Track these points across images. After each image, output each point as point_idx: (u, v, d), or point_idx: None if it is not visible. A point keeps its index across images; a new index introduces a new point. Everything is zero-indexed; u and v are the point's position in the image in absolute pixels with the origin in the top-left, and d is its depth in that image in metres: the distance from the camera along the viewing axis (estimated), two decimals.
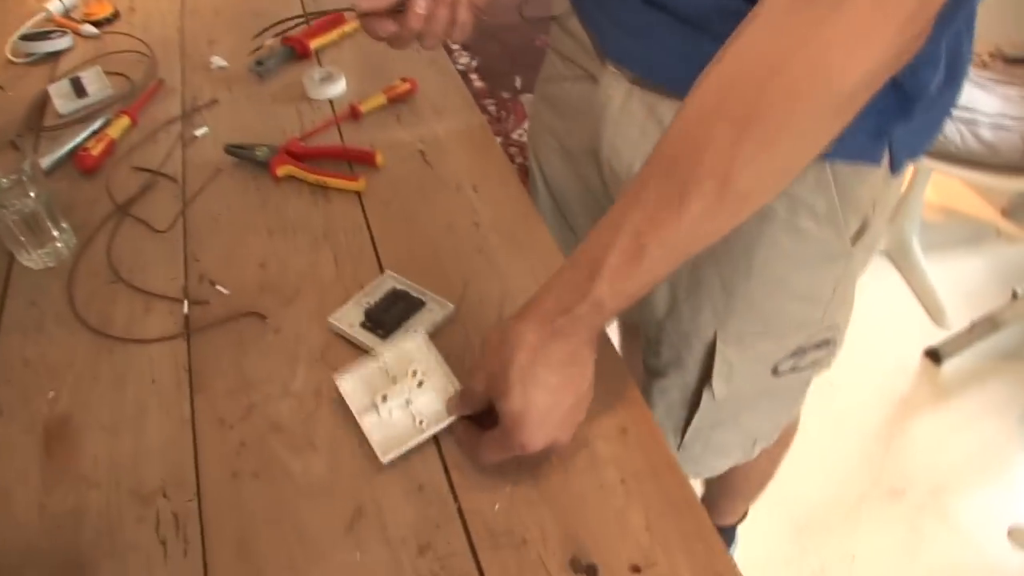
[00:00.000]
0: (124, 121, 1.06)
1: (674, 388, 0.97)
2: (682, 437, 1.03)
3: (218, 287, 0.85)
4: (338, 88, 1.11)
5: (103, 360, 0.79)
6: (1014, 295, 2.03)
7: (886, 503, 1.81)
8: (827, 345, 0.92)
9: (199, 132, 1.05)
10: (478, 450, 0.67)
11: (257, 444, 0.72)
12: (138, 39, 1.26)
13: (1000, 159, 1.81)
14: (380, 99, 1.07)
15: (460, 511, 0.67)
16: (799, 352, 0.90)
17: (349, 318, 0.80)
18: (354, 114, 1.06)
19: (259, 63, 1.14)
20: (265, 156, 0.98)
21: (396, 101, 1.08)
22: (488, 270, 0.86)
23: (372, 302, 0.81)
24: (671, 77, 0.55)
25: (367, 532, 0.66)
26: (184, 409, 0.75)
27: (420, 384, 0.71)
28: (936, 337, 2.13)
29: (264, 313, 0.82)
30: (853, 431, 1.96)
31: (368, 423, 0.70)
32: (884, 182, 0.78)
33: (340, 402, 0.74)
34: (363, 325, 0.79)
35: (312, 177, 0.96)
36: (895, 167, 0.76)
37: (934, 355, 2.11)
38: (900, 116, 0.71)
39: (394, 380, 0.72)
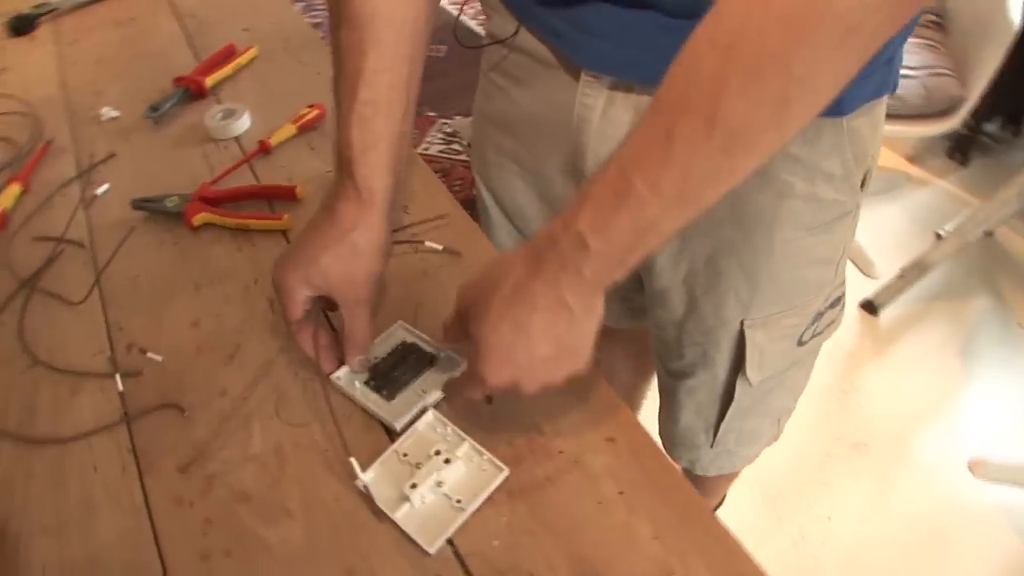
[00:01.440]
0: (14, 189, 0.97)
1: (703, 387, 0.94)
2: (715, 434, 1.00)
3: (149, 355, 0.78)
4: (243, 124, 1.04)
5: (34, 457, 0.71)
6: (937, 236, 2.08)
7: (851, 459, 1.83)
8: (839, 302, 0.90)
9: (100, 190, 0.97)
10: (453, 385, 0.69)
11: (224, 519, 0.65)
12: (18, 99, 1.16)
13: (906, 107, 1.85)
14: (290, 130, 1.01)
15: (458, 555, 0.62)
16: (818, 317, 0.89)
17: (353, 375, 0.74)
18: (264, 149, 0.99)
19: (153, 108, 1.06)
20: (177, 206, 0.90)
21: (306, 129, 1.03)
22: (435, 292, 0.81)
23: (379, 356, 0.75)
24: (659, 71, 0.51)
25: None
26: (135, 494, 0.67)
27: (447, 461, 0.66)
28: (869, 289, 2.17)
29: (205, 374, 0.76)
30: (805, 393, 1.97)
31: (402, 516, 0.64)
32: (880, 117, 0.77)
33: (306, 459, 0.68)
34: (368, 384, 0.73)
35: (232, 222, 0.89)
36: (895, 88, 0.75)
37: (870, 306, 2.15)
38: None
39: (418, 465, 0.67)
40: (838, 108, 0.69)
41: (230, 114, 1.04)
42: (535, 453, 0.68)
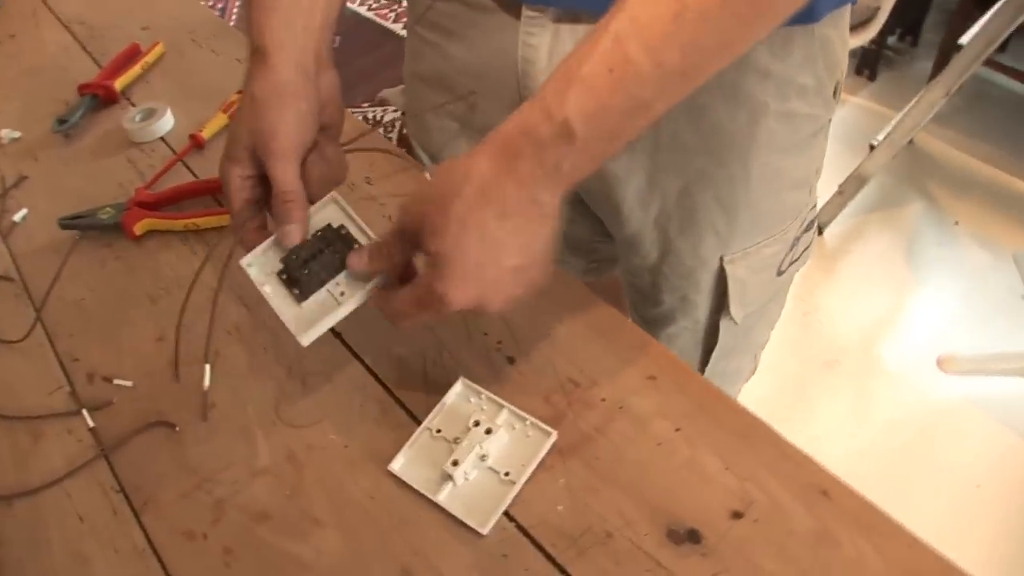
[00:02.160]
0: None
1: (684, 332, 0.89)
2: None
3: (117, 381, 0.69)
4: (166, 123, 0.94)
5: (2, 518, 0.61)
6: (871, 147, 2.10)
7: (826, 378, 1.84)
8: (813, 225, 0.86)
9: (17, 217, 0.86)
10: (390, 306, 0.55)
11: (246, 545, 0.57)
12: None
13: None
14: (221, 119, 0.92)
15: (521, 528, 0.56)
16: (795, 242, 0.84)
17: (264, 264, 0.61)
18: (197, 143, 0.90)
19: (61, 121, 0.95)
20: (113, 217, 0.81)
21: None
22: None
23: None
24: None
25: None
26: (135, 537, 0.59)
27: (488, 432, 0.59)
28: None
29: (185, 390, 0.67)
30: None
31: (446, 498, 0.57)
32: (846, 26, 0.72)
33: (324, 460, 0.60)
34: (279, 277, 0.60)
35: (179, 224, 0.80)
36: None
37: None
38: None
39: (455, 440, 0.59)
40: (809, 14, 0.65)
41: (150, 114, 0.94)
42: (575, 406, 0.62)
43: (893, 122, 2.05)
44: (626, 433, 0.60)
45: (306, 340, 0.57)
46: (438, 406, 0.61)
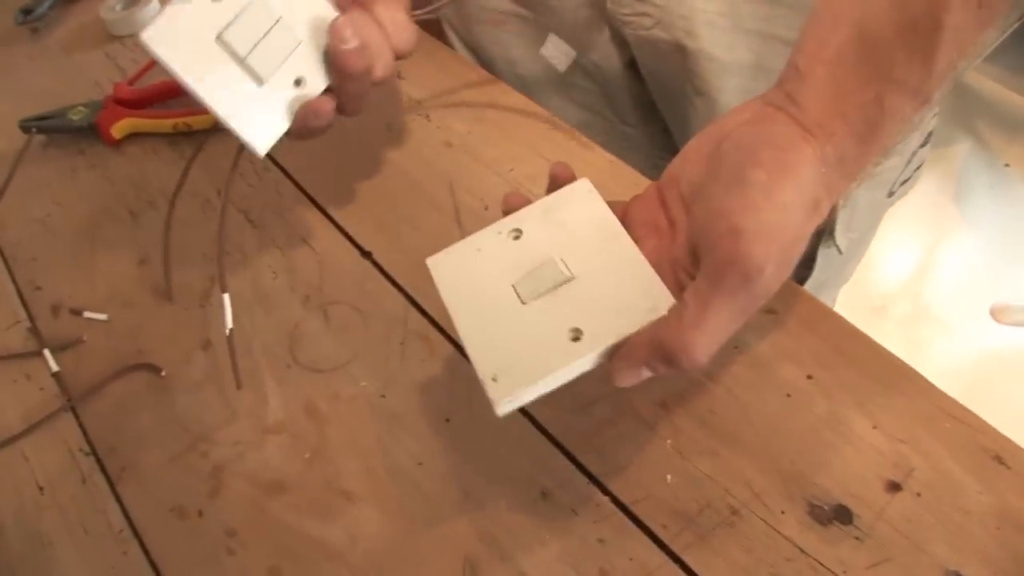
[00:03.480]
0: None
1: None
2: None
3: (87, 314, 0.54)
4: (152, 12, 0.79)
5: None
6: None
7: (875, 324, 1.72)
8: (929, 140, 0.72)
9: None
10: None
11: (255, 524, 0.43)
12: None
13: None
14: None
15: (622, 506, 0.42)
16: (912, 157, 0.70)
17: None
18: None
19: (25, 11, 0.80)
20: (86, 118, 0.66)
21: None
22: (470, 167, 0.59)
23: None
24: None
25: None
26: (110, 513, 0.45)
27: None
28: None
29: (173, 325, 0.53)
30: None
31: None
32: None
33: (353, 412, 0.46)
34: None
35: (167, 123, 0.65)
36: None
37: None
38: None
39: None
40: None
41: (133, 2, 0.79)
42: None
43: None
44: (746, 381, 0.46)
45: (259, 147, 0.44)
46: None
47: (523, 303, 0.38)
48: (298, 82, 0.45)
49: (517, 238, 0.41)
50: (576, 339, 0.36)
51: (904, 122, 0.36)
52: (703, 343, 0.34)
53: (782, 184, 0.35)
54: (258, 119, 0.44)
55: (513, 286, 0.39)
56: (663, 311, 0.36)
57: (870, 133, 0.36)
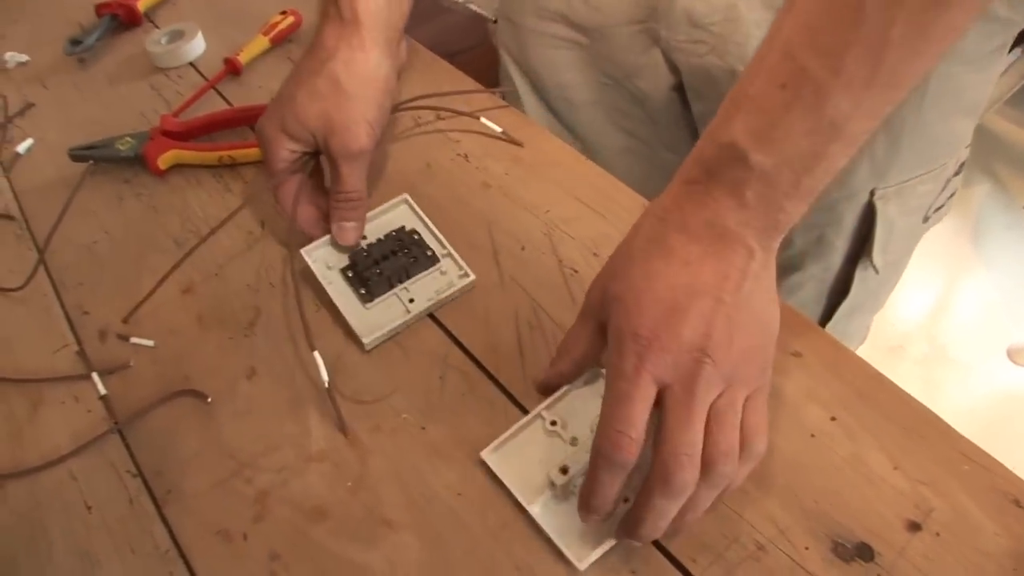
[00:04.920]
0: None
1: (811, 280, 0.76)
2: None
3: (134, 340, 0.56)
4: (197, 47, 0.81)
5: None
6: None
7: (892, 364, 1.73)
8: (962, 170, 0.73)
9: (22, 148, 0.73)
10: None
11: (298, 549, 0.45)
12: None
13: None
14: (261, 43, 0.79)
15: (655, 541, 0.43)
16: (946, 184, 0.71)
17: (327, 257, 0.57)
18: (234, 69, 0.77)
19: (74, 43, 0.82)
20: (133, 149, 0.68)
21: (280, 40, 0.80)
22: (508, 209, 0.61)
23: (368, 243, 0.57)
24: None
25: None
26: (157, 534, 0.46)
27: None
28: None
29: (219, 353, 0.54)
30: None
31: (540, 511, 0.44)
32: None
33: (396, 443, 0.48)
34: (345, 274, 0.56)
35: (211, 156, 0.67)
36: None
37: None
38: None
39: (573, 441, 0.46)
40: None
41: (178, 36, 0.81)
42: None
43: None
44: (773, 421, 0.47)
45: (370, 342, 0.52)
46: (558, 393, 0.48)
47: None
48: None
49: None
50: None
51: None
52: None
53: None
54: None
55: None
56: None
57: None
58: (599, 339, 0.43)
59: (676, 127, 0.75)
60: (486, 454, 0.46)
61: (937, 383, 1.69)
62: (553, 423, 0.47)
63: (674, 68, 0.69)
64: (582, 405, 0.47)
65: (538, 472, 0.45)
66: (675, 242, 0.40)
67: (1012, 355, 1.74)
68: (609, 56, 0.72)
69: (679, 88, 0.71)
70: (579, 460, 0.44)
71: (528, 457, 0.46)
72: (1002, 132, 2.23)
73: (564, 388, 0.47)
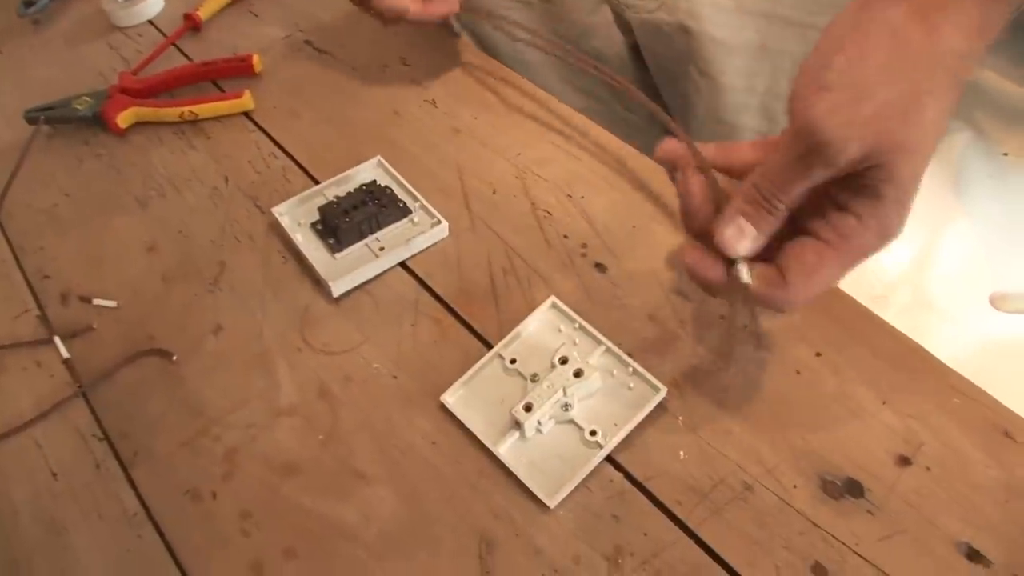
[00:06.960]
0: None
1: None
2: None
3: (97, 301, 0.54)
4: (155, 4, 0.79)
5: None
6: None
7: (877, 312, 1.71)
8: None
9: None
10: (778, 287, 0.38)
11: (269, 506, 0.43)
12: None
13: None
14: None
15: (635, 483, 0.42)
16: None
17: (297, 214, 0.57)
18: (193, 24, 0.75)
19: (27, 4, 0.80)
20: (91, 108, 0.66)
21: None
22: (478, 153, 0.60)
23: (338, 196, 0.56)
24: None
25: (512, 566, 0.39)
26: (124, 498, 0.45)
27: (577, 374, 0.44)
28: None
29: (184, 310, 0.53)
30: None
31: (507, 452, 0.43)
32: None
33: (368, 394, 0.46)
34: (314, 228, 0.55)
35: (173, 112, 0.65)
36: None
37: None
38: None
39: (533, 378, 0.45)
40: None
41: None
42: (689, 325, 0.48)
43: None
44: (755, 357, 0.46)
45: (337, 289, 0.51)
46: (514, 331, 0.47)
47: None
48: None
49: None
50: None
51: None
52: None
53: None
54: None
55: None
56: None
57: None
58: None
59: (634, 86, 0.74)
60: (446, 397, 0.45)
61: (921, 331, 1.67)
62: (513, 361, 0.46)
63: (626, 27, 0.67)
64: (538, 340, 0.46)
65: (502, 412, 0.44)
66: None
67: (995, 302, 1.73)
68: (560, 16, 0.70)
69: (635, 48, 0.69)
70: (541, 396, 0.43)
71: (490, 397, 0.45)
72: (982, 79, 2.22)
73: (520, 326, 0.47)
